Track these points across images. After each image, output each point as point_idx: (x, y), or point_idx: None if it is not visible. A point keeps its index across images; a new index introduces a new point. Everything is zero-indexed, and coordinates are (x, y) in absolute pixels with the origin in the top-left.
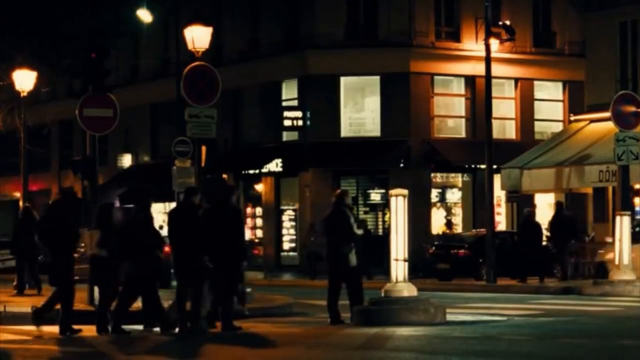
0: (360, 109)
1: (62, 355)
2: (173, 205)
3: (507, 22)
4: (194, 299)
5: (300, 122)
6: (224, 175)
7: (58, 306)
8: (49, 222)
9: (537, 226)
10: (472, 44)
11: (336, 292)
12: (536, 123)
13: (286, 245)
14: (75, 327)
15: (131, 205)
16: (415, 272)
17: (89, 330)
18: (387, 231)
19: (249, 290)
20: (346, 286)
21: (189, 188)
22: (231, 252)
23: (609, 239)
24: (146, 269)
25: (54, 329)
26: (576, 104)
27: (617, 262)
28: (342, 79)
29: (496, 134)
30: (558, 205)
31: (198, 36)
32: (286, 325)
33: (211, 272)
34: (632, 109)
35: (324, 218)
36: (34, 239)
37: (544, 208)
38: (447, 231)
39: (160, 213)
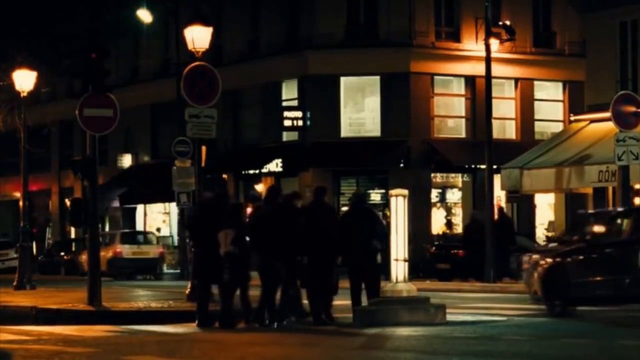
0: (360, 109)
1: (62, 356)
2: (173, 205)
3: (507, 22)
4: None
5: (300, 122)
6: (224, 176)
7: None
8: (200, 221)
9: (481, 228)
10: (472, 44)
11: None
12: (536, 123)
13: None
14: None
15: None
16: (415, 272)
17: (88, 330)
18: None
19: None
20: (365, 284)
21: (359, 194)
22: (329, 249)
23: None
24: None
25: (56, 329)
26: (576, 104)
27: None
28: (342, 79)
29: (496, 134)
30: (499, 211)
31: (198, 36)
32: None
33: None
34: (632, 109)
35: (344, 215)
36: None
37: (544, 208)
38: (447, 231)
39: (160, 213)
